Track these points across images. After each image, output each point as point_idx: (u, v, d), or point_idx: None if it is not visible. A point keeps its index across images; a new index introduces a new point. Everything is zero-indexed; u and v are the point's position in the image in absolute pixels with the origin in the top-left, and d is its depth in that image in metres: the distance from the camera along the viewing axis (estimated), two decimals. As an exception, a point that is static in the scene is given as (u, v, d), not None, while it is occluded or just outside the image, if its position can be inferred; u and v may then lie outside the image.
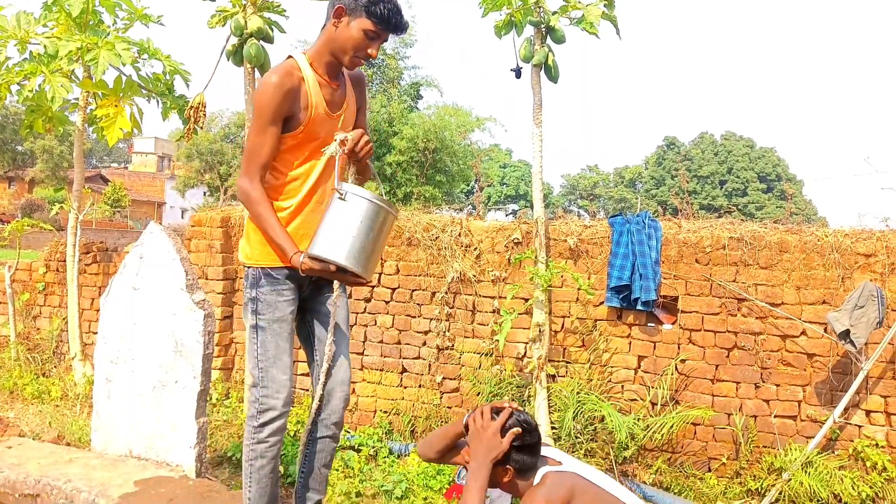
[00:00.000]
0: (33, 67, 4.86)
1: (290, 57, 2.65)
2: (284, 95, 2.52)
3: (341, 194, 2.39)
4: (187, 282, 3.50)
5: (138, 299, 3.62)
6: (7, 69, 5.05)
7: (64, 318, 5.79)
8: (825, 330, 4.23)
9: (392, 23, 2.56)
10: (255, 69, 4.86)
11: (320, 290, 2.79)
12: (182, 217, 48.53)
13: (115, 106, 5.02)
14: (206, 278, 5.41)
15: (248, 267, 2.72)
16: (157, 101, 5.60)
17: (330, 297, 2.76)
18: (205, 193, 42.48)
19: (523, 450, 2.32)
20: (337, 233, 2.38)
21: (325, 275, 2.48)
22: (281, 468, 4.14)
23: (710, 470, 4.45)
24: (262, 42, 4.82)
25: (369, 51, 2.58)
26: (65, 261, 5.74)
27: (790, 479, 4.05)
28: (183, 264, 3.52)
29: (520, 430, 2.25)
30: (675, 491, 4.30)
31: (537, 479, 2.29)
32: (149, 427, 3.57)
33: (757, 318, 4.41)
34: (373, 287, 5.17)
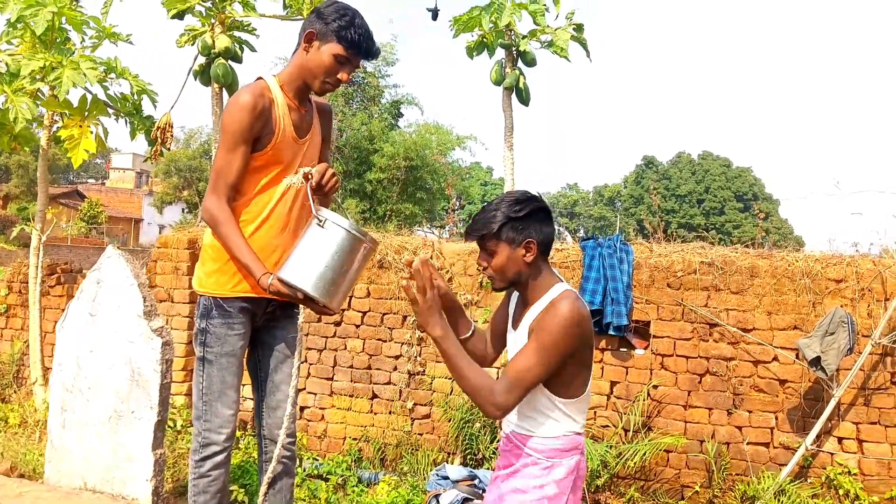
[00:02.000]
0: (-6, 87, 4.74)
1: (259, 78, 2.62)
2: (256, 116, 2.48)
3: (320, 221, 2.29)
4: (145, 308, 3.39)
5: (95, 326, 3.51)
6: (-32, 87, 4.93)
7: (25, 342, 5.63)
8: (797, 356, 4.21)
9: (363, 48, 2.53)
10: (223, 89, 4.81)
11: (275, 321, 2.72)
12: (160, 233, 48.06)
13: (80, 126, 4.91)
14: (172, 301, 5.29)
15: (200, 295, 2.64)
16: (126, 121, 5.50)
17: (282, 332, 2.70)
18: (183, 210, 42.14)
19: (540, 216, 2.10)
20: (310, 260, 2.29)
21: (291, 300, 2.39)
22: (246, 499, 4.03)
23: (683, 498, 4.39)
24: (230, 61, 4.77)
25: (339, 76, 2.54)
26: (27, 282, 5.59)
27: (763, 508, 4.00)
28: (141, 290, 3.42)
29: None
30: (648, 520, 4.23)
31: (556, 290, 2.09)
32: (104, 458, 3.45)
33: (729, 343, 4.38)
34: (343, 310, 5.08)
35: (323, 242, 2.28)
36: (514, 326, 2.24)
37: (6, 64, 4.86)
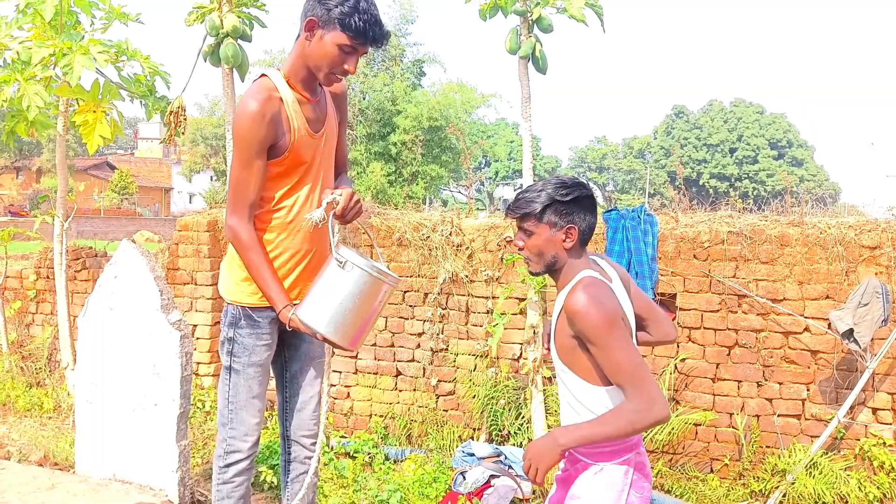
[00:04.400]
0: (7, 76, 4.71)
1: (263, 75, 2.46)
2: (267, 125, 2.34)
3: (340, 262, 2.23)
4: (162, 302, 3.39)
5: (114, 320, 3.52)
6: (-18, 76, 4.91)
7: (55, 327, 5.72)
8: (829, 326, 4.08)
9: (369, 35, 2.33)
10: (233, 69, 4.71)
11: None
12: (190, 202, 48.64)
13: (94, 112, 4.87)
14: (196, 284, 5.31)
15: (228, 303, 2.58)
16: (140, 103, 5.46)
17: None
18: (211, 178, 42.49)
19: (585, 203, 2.06)
20: (328, 302, 2.24)
21: (310, 335, 2.35)
22: None
23: (712, 471, 4.34)
24: (239, 41, 4.67)
25: (346, 66, 2.36)
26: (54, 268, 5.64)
27: (794, 482, 3.93)
28: (158, 284, 3.41)
29: None
30: (677, 494, 4.19)
31: (575, 279, 2.06)
32: (131, 450, 3.49)
33: (758, 314, 4.26)
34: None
35: (342, 284, 2.22)
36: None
37: (17, 52, 4.81)
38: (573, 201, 2.04)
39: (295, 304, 2.36)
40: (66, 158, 5.42)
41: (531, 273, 2.18)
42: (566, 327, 2.04)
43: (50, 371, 5.68)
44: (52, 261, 5.89)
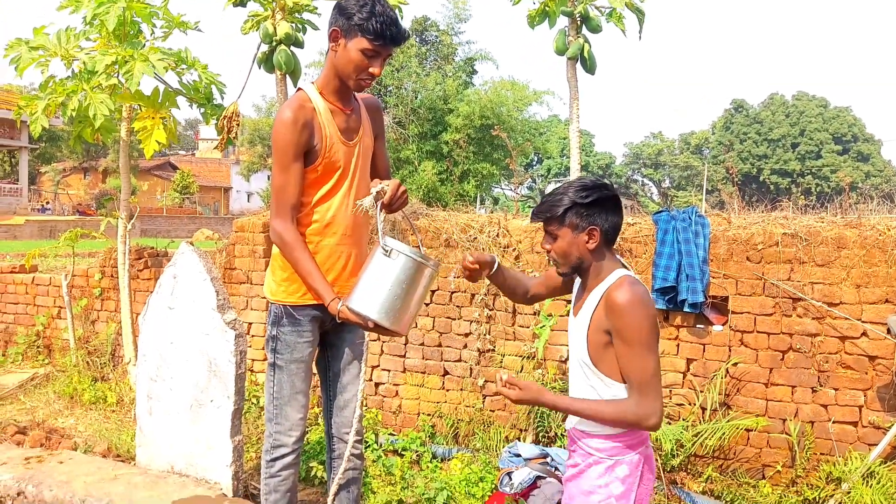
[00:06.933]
0: (75, 86, 4.94)
1: (299, 89, 2.62)
2: (300, 130, 2.48)
3: (386, 250, 2.34)
4: (218, 302, 3.51)
5: (173, 319, 3.67)
6: (52, 86, 5.17)
7: (119, 323, 5.97)
8: (887, 331, 3.95)
9: (388, 35, 2.45)
10: (286, 76, 4.85)
11: (343, 325, 2.76)
12: (248, 200, 49.80)
13: (152, 118, 5.07)
14: (251, 283, 5.47)
15: (272, 303, 2.70)
16: (199, 109, 5.65)
17: (350, 335, 2.74)
18: (268, 177, 43.41)
19: (608, 204, 2.11)
20: (377, 289, 2.35)
21: (360, 326, 2.45)
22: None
23: (764, 478, 4.25)
24: (292, 47, 4.80)
25: (371, 70, 2.49)
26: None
27: (850, 491, 3.83)
28: (214, 284, 3.54)
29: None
30: (727, 500, 4.13)
31: (612, 277, 2.11)
32: (188, 444, 3.64)
33: (813, 318, 4.15)
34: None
35: (389, 271, 2.33)
36: (575, 313, 2.25)
37: (84, 62, 5.04)
38: (594, 203, 2.10)
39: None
40: (129, 161, 5.65)
41: (560, 274, 2.27)
42: (603, 321, 2.09)
43: (114, 366, 5.93)
44: (116, 260, 6.15)
